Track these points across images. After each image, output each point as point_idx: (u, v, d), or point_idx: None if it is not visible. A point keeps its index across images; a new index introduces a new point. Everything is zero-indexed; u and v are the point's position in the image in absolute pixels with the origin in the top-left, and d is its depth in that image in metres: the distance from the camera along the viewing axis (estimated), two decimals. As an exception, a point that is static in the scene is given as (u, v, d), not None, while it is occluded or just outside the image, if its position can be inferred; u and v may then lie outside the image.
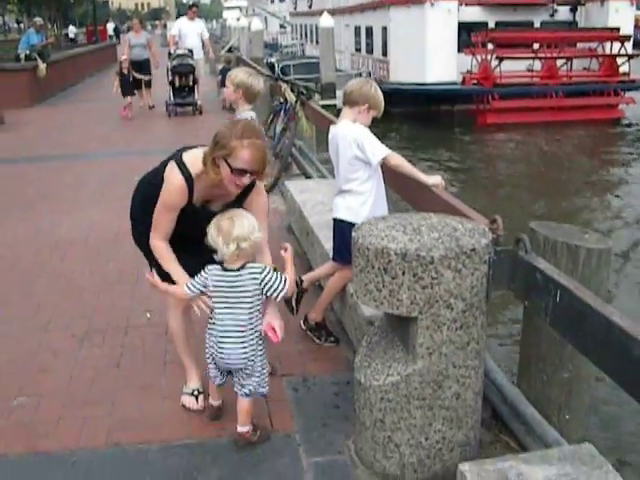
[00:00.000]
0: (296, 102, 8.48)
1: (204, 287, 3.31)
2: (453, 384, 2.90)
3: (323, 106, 8.85)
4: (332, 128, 4.29)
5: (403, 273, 2.72)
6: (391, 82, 27.92)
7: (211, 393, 3.65)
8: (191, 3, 16.77)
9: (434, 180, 4.01)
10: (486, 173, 20.26)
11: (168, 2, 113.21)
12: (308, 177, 8.27)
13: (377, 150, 3.99)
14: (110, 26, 57.27)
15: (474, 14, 28.11)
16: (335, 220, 4.30)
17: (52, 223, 7.47)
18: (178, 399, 3.82)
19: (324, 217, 5.51)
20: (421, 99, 26.74)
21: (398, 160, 4.03)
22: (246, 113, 5.10)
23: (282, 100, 9.20)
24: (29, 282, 5.81)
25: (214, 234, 3.19)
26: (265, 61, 30.88)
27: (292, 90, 8.72)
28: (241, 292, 3.26)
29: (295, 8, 51.30)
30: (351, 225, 3.98)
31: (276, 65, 30.16)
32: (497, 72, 25.47)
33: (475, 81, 25.99)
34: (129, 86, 15.06)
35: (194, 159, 3.28)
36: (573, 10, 29.94)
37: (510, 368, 4.58)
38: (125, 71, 14.88)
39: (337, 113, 4.57)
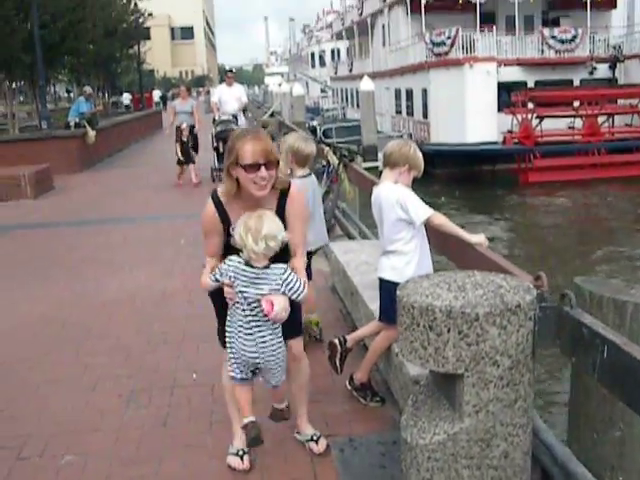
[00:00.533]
0: (338, 165, 8.65)
1: (220, 276, 3.41)
2: (501, 442, 2.86)
3: (365, 168, 8.94)
4: (375, 190, 4.37)
5: (448, 330, 2.73)
6: (432, 143, 28.20)
7: (242, 407, 3.64)
8: (227, 69, 17.25)
9: (477, 238, 4.02)
10: (530, 232, 20.14)
11: (212, 69, 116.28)
12: (351, 238, 8.34)
13: (420, 210, 4.04)
14: (156, 93, 59.08)
15: (513, 74, 28.46)
16: (381, 280, 4.35)
17: (98, 285, 7.62)
18: (224, 459, 3.81)
19: (368, 277, 5.55)
20: (462, 160, 26.88)
21: (441, 219, 4.08)
22: (301, 180, 5.19)
23: (325, 163, 9.36)
24: (76, 342, 5.89)
25: (242, 232, 3.29)
26: (307, 125, 31.45)
27: (334, 153, 8.89)
28: (260, 289, 3.35)
29: (336, 72, 52.44)
30: (396, 285, 4.00)
31: (318, 128, 30.62)
32: (538, 131, 25.53)
33: (516, 140, 26.07)
34: (188, 154, 15.09)
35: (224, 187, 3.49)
36: (612, 67, 30.13)
37: (560, 427, 4.48)
38: (185, 138, 14.95)
39: (379, 175, 4.63)
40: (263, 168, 3.29)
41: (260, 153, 3.28)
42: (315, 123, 34.22)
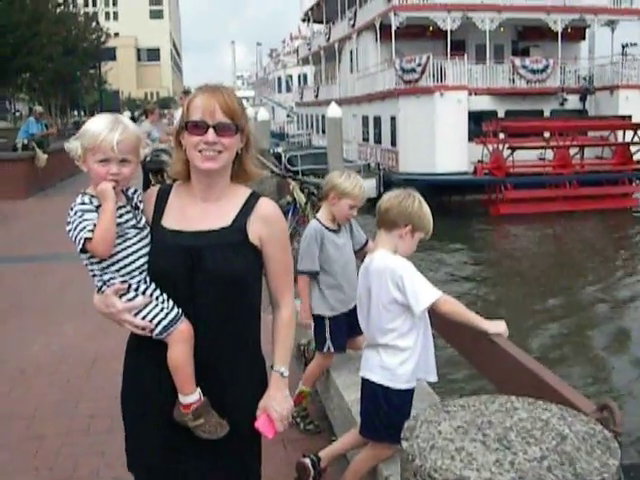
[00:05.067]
0: (306, 204, 7.43)
1: None
2: None
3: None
4: (366, 259, 3.32)
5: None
6: (401, 172, 27.41)
7: None
8: (184, 90, 16.00)
9: (496, 327, 2.94)
10: (504, 266, 19.34)
11: (177, 91, 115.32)
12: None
13: (422, 294, 2.98)
14: (126, 114, 57.52)
15: (484, 103, 27.87)
16: (365, 381, 3.25)
17: (21, 343, 6.42)
18: None
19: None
20: (432, 190, 25.94)
21: (451, 306, 3.01)
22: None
23: (290, 200, 8.15)
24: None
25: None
26: (271, 151, 30.44)
27: (301, 190, 7.68)
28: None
29: (301, 98, 51.53)
30: (386, 390, 3.00)
31: (283, 155, 29.66)
32: (509, 162, 24.87)
33: (487, 171, 25.36)
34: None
35: None
36: (583, 99, 29.78)
37: None
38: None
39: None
40: (211, 131, 2.26)
41: (211, 109, 2.27)
42: (280, 150, 33.18)
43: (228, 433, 2.34)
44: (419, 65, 27.60)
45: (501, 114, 27.97)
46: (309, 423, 4.48)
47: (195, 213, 2.38)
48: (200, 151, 2.28)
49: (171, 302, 2.34)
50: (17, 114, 54.56)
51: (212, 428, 2.32)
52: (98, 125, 2.31)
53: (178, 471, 2.37)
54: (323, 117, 34.19)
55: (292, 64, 64.43)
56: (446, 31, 29.31)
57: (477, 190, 25.68)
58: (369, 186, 26.58)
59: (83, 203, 2.29)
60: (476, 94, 27.79)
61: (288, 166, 28.14)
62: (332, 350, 4.30)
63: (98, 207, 2.28)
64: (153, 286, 2.35)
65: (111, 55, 52.62)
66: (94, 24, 38.23)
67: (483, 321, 2.95)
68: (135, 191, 2.46)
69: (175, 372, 2.31)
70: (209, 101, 2.27)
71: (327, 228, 4.26)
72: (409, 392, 3.16)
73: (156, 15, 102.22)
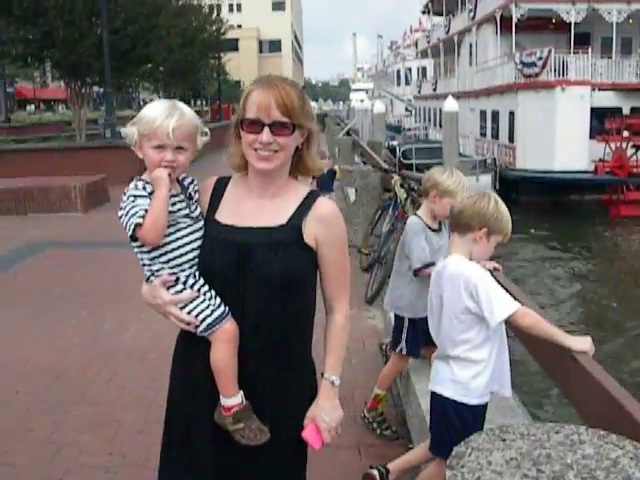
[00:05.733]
0: (406, 199, 7.09)
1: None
2: None
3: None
4: (439, 263, 3.09)
5: None
6: (518, 169, 26.60)
7: None
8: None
9: (581, 344, 2.63)
10: (621, 271, 18.31)
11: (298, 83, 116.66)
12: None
13: (498, 305, 2.72)
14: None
15: (608, 99, 26.52)
16: (434, 395, 3.04)
17: (116, 328, 6.56)
18: None
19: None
20: (549, 188, 25.09)
21: (530, 319, 2.73)
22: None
23: (392, 194, 7.91)
24: (62, 409, 4.82)
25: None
26: (387, 144, 30.15)
27: (402, 185, 7.41)
28: None
29: (419, 91, 50.94)
30: (457, 405, 2.79)
31: (397, 149, 29.25)
32: (633, 161, 23.63)
33: (608, 170, 24.20)
34: None
35: None
36: None
37: None
38: None
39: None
40: (267, 130, 2.13)
41: (267, 106, 2.13)
42: (395, 143, 32.77)
43: (270, 440, 2.21)
44: (540, 59, 26.59)
45: (626, 111, 26.52)
46: (386, 428, 4.28)
47: (250, 209, 2.26)
48: (255, 149, 2.16)
49: (218, 299, 2.24)
50: (141, 103, 56.85)
51: (252, 434, 2.20)
52: (155, 111, 2.22)
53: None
54: (440, 111, 33.53)
55: (411, 57, 63.79)
56: (569, 23, 28.09)
57: (597, 190, 24.60)
58: (484, 182, 25.87)
59: (136, 188, 2.21)
60: (600, 89, 26.50)
61: (402, 159, 27.79)
62: (404, 352, 4.14)
63: (151, 194, 2.19)
64: (202, 281, 2.25)
65: (233, 46, 53.65)
66: (214, 16, 39.12)
67: (567, 337, 2.66)
68: (192, 181, 2.38)
69: (217, 373, 2.21)
70: (265, 97, 2.13)
71: (428, 227, 4.04)
72: (482, 407, 2.93)
73: (278, 7, 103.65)
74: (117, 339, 6.24)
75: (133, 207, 2.16)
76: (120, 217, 2.21)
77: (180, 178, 2.32)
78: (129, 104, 52.09)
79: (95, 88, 25.69)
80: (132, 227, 2.15)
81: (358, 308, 6.76)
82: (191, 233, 2.26)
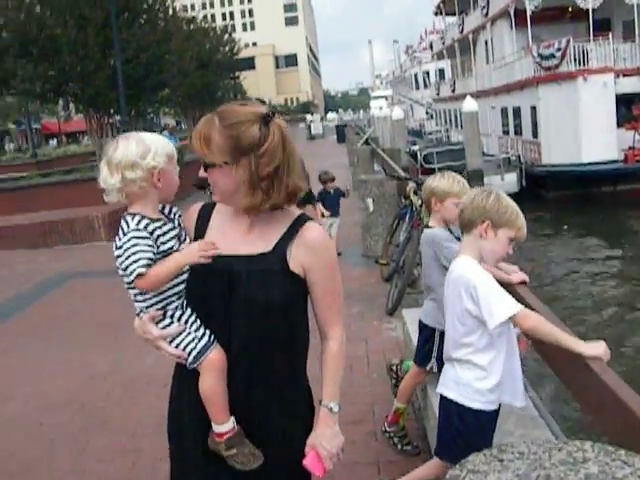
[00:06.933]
0: (421, 206, 6.81)
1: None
2: None
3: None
4: (450, 266, 2.98)
5: None
6: (544, 164, 26.18)
7: None
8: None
9: (593, 349, 2.42)
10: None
11: (316, 95, 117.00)
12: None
13: (497, 308, 2.59)
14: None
15: (633, 84, 25.89)
16: (440, 398, 2.96)
17: (138, 354, 6.53)
18: None
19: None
20: (578, 181, 24.59)
21: (533, 322, 2.58)
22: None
23: (407, 202, 7.68)
24: (85, 437, 4.90)
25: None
26: (407, 150, 29.94)
27: (415, 192, 7.24)
28: None
29: (438, 94, 50.65)
30: (460, 407, 2.76)
31: (418, 154, 29.07)
32: (664, 145, 23.13)
33: (639, 158, 23.67)
34: None
35: None
36: None
37: None
38: None
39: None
40: (202, 167, 2.16)
41: (196, 145, 2.13)
42: (416, 148, 32.54)
43: (265, 466, 2.17)
44: (558, 50, 26.16)
45: (654, 95, 26.03)
46: (407, 444, 4.15)
47: (236, 236, 2.20)
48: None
49: (203, 329, 2.19)
50: (163, 128, 57.45)
51: (245, 458, 2.17)
52: (156, 143, 2.19)
53: None
54: (460, 112, 33.30)
55: (427, 60, 63.55)
56: (587, 10, 27.55)
57: (630, 179, 23.90)
58: (509, 181, 25.54)
59: (137, 226, 2.12)
60: (624, 75, 25.94)
61: (424, 164, 27.57)
62: (435, 370, 3.83)
63: (152, 233, 2.13)
64: (189, 312, 2.21)
65: (250, 64, 54.01)
66: (226, 36, 39.38)
67: (578, 342, 2.47)
68: (171, 209, 2.29)
69: (207, 401, 2.18)
70: (194, 135, 2.12)
71: None
72: (487, 414, 2.82)
73: (291, 22, 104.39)
74: (138, 367, 6.22)
75: (135, 253, 2.09)
76: (117, 257, 2.13)
77: (162, 207, 2.25)
78: (152, 129, 52.69)
79: (117, 117, 26.04)
80: (135, 275, 2.09)
81: (380, 320, 6.64)
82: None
